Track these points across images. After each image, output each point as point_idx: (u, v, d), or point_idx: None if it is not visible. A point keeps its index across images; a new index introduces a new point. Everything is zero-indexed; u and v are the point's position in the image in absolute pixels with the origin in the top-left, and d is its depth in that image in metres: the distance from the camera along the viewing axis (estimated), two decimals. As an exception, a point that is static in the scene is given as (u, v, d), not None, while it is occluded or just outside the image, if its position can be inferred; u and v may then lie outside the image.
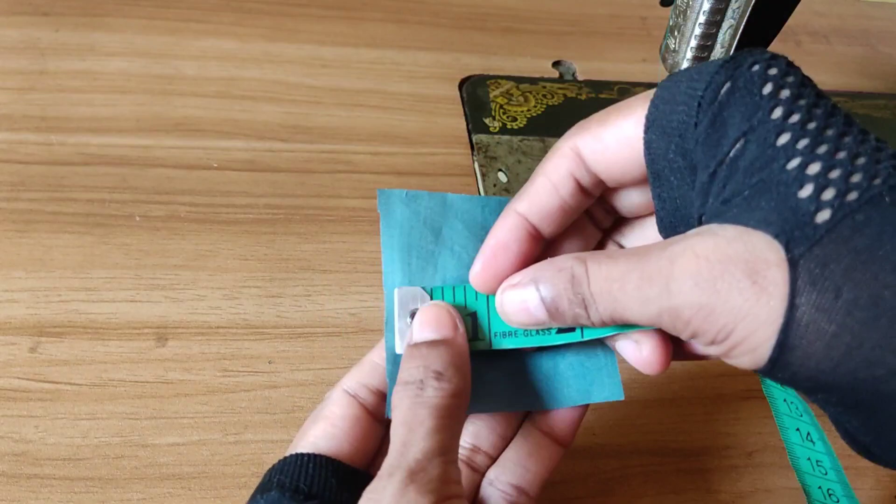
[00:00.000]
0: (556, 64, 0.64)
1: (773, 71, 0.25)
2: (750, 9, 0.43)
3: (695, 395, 0.44)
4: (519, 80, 0.61)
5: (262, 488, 0.29)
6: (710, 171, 0.25)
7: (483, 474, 0.32)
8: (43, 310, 0.43)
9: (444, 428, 0.26)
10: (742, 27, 0.44)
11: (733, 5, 0.44)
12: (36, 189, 0.48)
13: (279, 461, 0.30)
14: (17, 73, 0.55)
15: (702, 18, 0.44)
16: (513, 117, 0.58)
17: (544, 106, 0.59)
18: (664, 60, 0.48)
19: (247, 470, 0.38)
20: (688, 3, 0.44)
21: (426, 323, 0.29)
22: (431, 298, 0.30)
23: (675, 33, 0.46)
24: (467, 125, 0.57)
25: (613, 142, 0.28)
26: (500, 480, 0.31)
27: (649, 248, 0.26)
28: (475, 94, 0.59)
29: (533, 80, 0.61)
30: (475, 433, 0.32)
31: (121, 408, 0.39)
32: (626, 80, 0.62)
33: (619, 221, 0.32)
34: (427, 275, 0.30)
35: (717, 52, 0.45)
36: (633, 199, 0.30)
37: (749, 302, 0.23)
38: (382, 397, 0.31)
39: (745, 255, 0.24)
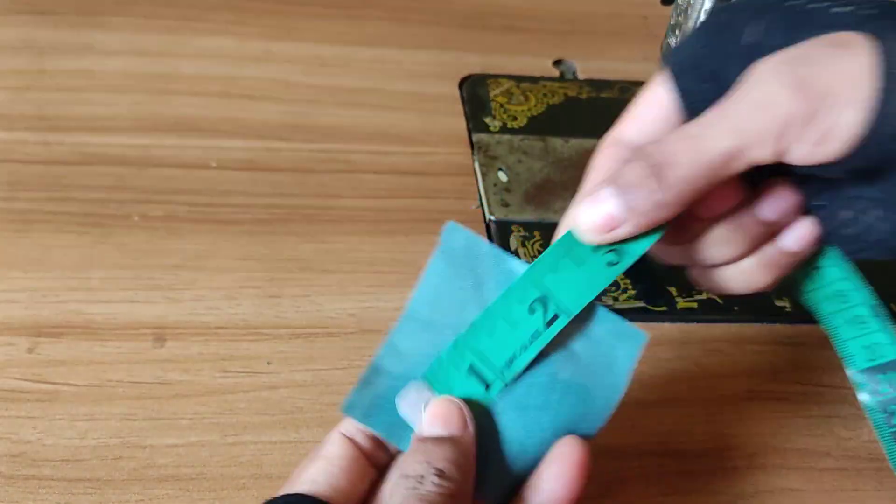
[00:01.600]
0: (556, 63, 0.63)
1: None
2: (752, 7, 0.43)
3: (695, 396, 0.44)
4: (519, 79, 0.61)
5: None
6: (735, 56, 0.28)
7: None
8: (41, 310, 0.42)
9: None
10: (744, 26, 0.44)
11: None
12: (34, 189, 0.48)
13: (277, 498, 0.29)
14: (15, 72, 0.55)
15: (703, 17, 0.44)
16: (513, 116, 0.57)
17: (545, 105, 0.59)
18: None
19: (246, 471, 0.38)
20: (689, 1, 0.44)
21: (436, 417, 0.29)
22: (430, 383, 0.29)
23: (677, 32, 0.46)
24: (467, 124, 0.57)
25: (645, 111, 0.31)
26: None
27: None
28: (475, 93, 0.59)
29: (533, 79, 0.61)
30: None
31: (119, 409, 0.39)
32: (627, 78, 0.62)
33: None
34: (450, 316, 0.30)
35: (719, 51, 0.45)
36: None
37: (843, 59, 0.26)
38: (378, 443, 0.30)
39: (822, 41, 0.27)
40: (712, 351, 0.46)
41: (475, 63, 0.62)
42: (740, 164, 0.27)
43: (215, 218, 0.48)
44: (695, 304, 0.48)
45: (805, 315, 0.48)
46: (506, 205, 0.51)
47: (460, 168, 0.54)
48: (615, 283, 0.47)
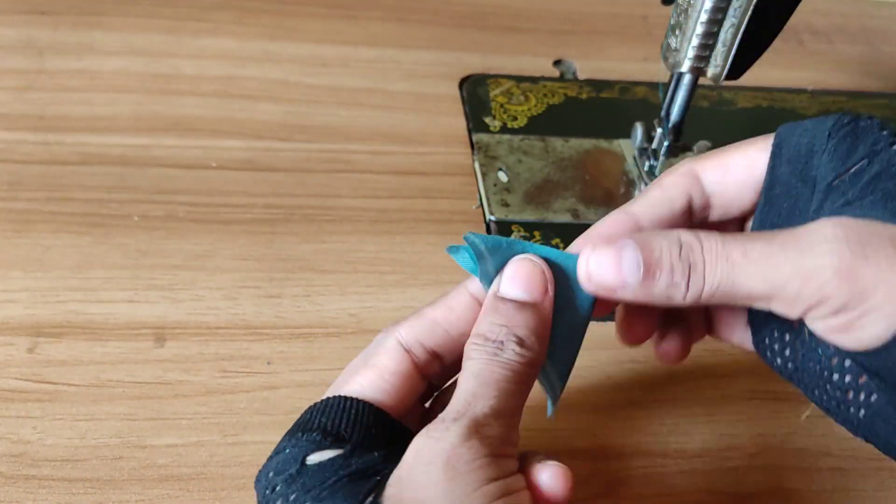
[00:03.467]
0: (556, 63, 0.63)
1: (881, 124, 0.28)
2: (752, 8, 0.43)
3: (696, 395, 0.44)
4: (519, 79, 0.61)
5: (304, 427, 0.28)
6: (828, 181, 0.28)
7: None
8: (41, 310, 0.42)
9: (514, 392, 0.27)
10: (744, 26, 0.44)
11: (735, 4, 0.43)
12: (34, 189, 0.48)
13: (321, 401, 0.29)
14: (15, 73, 0.55)
15: (703, 17, 0.44)
16: (513, 116, 0.57)
17: (545, 105, 0.59)
18: (665, 59, 0.47)
19: (246, 471, 0.38)
20: (689, 1, 0.44)
21: (516, 278, 0.28)
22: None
23: (677, 32, 0.46)
24: (467, 124, 0.57)
25: (735, 166, 0.30)
26: None
27: (769, 231, 0.28)
28: (475, 93, 0.59)
29: (534, 79, 0.61)
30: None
31: (119, 408, 0.39)
32: (627, 79, 0.62)
33: None
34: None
35: (719, 51, 0.45)
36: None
37: (894, 271, 0.25)
38: (435, 357, 0.30)
39: (890, 233, 0.25)
40: (713, 351, 0.45)
41: (475, 63, 0.62)
42: (760, 306, 0.27)
43: (215, 218, 0.48)
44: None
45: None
46: (506, 205, 0.51)
47: (460, 168, 0.54)
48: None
